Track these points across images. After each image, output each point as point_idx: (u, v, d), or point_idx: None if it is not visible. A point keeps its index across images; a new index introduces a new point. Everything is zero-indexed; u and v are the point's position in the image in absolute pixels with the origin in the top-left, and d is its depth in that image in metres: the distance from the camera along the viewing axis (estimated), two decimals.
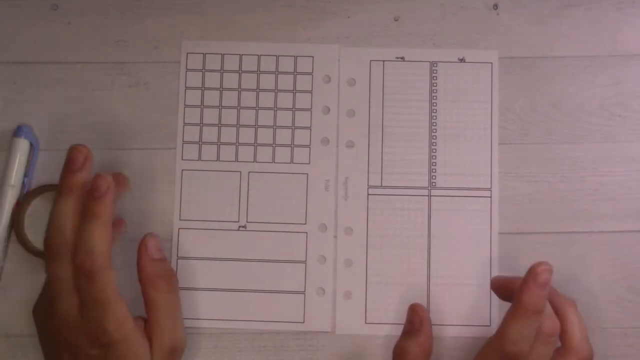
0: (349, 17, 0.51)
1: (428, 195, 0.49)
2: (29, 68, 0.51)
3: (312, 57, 0.51)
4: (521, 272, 0.43)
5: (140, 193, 0.50)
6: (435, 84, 0.50)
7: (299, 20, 0.51)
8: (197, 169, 0.50)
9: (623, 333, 0.49)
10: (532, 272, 0.42)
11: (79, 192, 0.43)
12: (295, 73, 0.51)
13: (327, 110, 0.51)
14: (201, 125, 0.50)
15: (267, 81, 0.51)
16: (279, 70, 0.51)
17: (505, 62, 0.51)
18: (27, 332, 0.49)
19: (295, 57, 0.51)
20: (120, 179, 0.48)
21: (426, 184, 0.49)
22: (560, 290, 0.50)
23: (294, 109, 0.51)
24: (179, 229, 0.50)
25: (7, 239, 0.49)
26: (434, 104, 0.50)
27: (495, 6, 0.51)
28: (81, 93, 0.51)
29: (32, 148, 0.50)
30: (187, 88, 0.51)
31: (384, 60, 0.50)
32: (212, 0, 0.51)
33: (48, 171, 0.50)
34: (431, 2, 0.51)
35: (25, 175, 0.49)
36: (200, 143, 0.50)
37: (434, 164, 0.50)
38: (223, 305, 0.49)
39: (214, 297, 0.49)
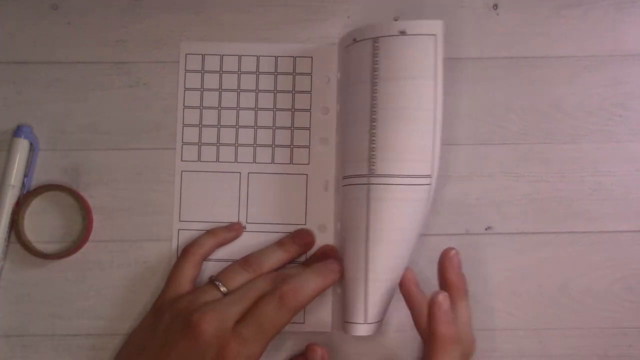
0: (349, 17, 0.51)
1: (367, 184, 0.46)
2: (29, 68, 0.51)
3: (311, 57, 0.51)
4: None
5: (140, 193, 0.50)
6: (376, 62, 0.46)
7: (298, 20, 0.51)
8: (197, 170, 0.50)
9: (623, 333, 0.49)
10: (435, 300, 0.42)
11: (291, 257, 0.49)
12: (294, 74, 0.51)
13: (326, 110, 0.51)
14: (200, 126, 0.50)
15: (266, 82, 0.51)
16: (278, 71, 0.51)
17: (505, 62, 0.51)
18: (27, 332, 0.49)
19: (294, 58, 0.51)
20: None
21: (366, 172, 0.46)
22: (560, 291, 0.50)
23: (293, 110, 0.51)
24: (178, 230, 0.50)
25: (7, 239, 0.49)
26: (375, 84, 0.46)
27: (495, 6, 0.51)
28: (81, 93, 0.51)
29: (32, 148, 0.50)
30: (186, 89, 0.51)
31: (346, 46, 0.49)
32: (212, 0, 0.51)
33: (48, 171, 0.50)
34: (431, 2, 0.51)
35: (25, 175, 0.49)
36: (200, 144, 0.50)
37: (373, 149, 0.46)
38: None
39: None
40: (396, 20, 0.51)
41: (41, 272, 0.49)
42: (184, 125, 0.50)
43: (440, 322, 0.42)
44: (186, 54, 0.51)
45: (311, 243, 0.49)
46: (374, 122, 0.46)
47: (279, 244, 0.49)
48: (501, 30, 0.51)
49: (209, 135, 0.50)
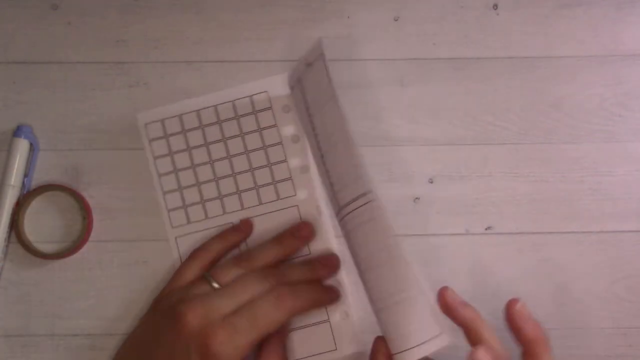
0: (349, 17, 0.51)
1: (341, 217, 0.46)
2: (29, 68, 0.51)
3: (266, 91, 0.50)
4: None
5: (140, 193, 0.50)
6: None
7: (299, 20, 0.51)
8: (189, 232, 0.50)
9: (623, 333, 0.49)
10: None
11: (287, 253, 0.48)
12: (255, 112, 0.50)
13: (296, 138, 0.50)
14: (180, 189, 0.50)
15: (230, 128, 0.50)
16: (239, 114, 0.50)
17: (505, 62, 0.51)
18: (27, 332, 0.49)
19: (251, 97, 0.50)
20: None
21: (336, 206, 0.47)
22: (560, 291, 0.50)
23: (265, 147, 0.50)
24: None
25: (7, 239, 0.49)
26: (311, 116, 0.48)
27: (495, 6, 0.51)
28: (81, 93, 0.51)
29: (32, 148, 0.50)
30: (155, 158, 0.50)
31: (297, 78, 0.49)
32: (212, 0, 0.51)
33: (48, 171, 0.50)
34: (431, 2, 0.51)
35: (25, 175, 0.49)
36: (185, 207, 0.50)
37: (331, 181, 0.47)
38: None
39: None
40: (396, 20, 0.51)
41: (41, 272, 0.49)
42: (164, 192, 0.50)
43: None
44: (145, 124, 0.50)
45: (310, 236, 0.49)
46: (322, 155, 0.47)
47: (277, 239, 0.48)
48: (501, 30, 0.51)
49: (191, 195, 0.50)
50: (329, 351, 0.48)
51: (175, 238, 0.49)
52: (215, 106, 0.50)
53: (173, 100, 0.50)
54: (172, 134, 0.50)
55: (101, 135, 0.50)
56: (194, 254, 0.48)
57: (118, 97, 0.51)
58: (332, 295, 0.48)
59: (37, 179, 0.50)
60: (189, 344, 0.42)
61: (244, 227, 0.49)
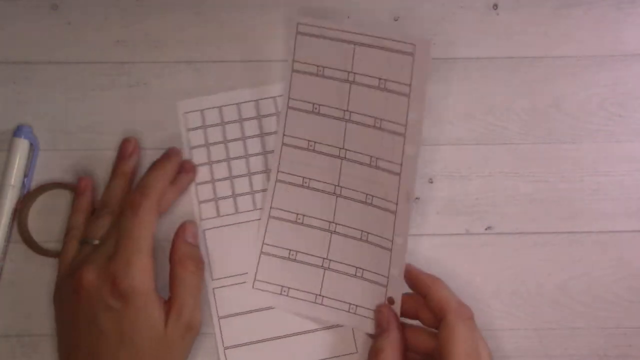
0: (348, 17, 0.51)
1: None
2: (29, 68, 0.51)
3: None
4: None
5: None
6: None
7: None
8: (218, 226, 0.50)
9: (623, 333, 0.49)
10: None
11: (127, 177, 0.49)
12: None
13: None
14: (213, 181, 0.50)
15: (269, 124, 0.50)
16: (279, 110, 0.50)
17: (505, 62, 0.51)
18: (27, 332, 0.49)
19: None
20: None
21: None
22: (560, 291, 0.50)
23: None
24: (213, 288, 0.49)
25: (7, 239, 0.49)
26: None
27: (495, 6, 0.51)
28: (81, 93, 0.51)
29: (32, 148, 0.50)
30: (191, 148, 0.50)
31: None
32: (212, 0, 0.51)
33: (48, 171, 0.50)
34: (431, 2, 0.51)
35: (25, 175, 0.49)
36: (216, 199, 0.50)
37: None
38: None
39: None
40: (396, 20, 0.51)
41: (41, 272, 0.49)
42: (197, 184, 0.50)
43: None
44: (184, 113, 0.50)
45: (133, 151, 0.49)
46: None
47: (115, 174, 0.49)
48: (501, 30, 0.51)
49: (224, 188, 0.50)
50: (350, 354, 0.48)
51: (204, 231, 0.49)
52: (256, 101, 0.50)
53: (173, 100, 0.51)
54: (210, 125, 0.50)
55: (101, 135, 0.50)
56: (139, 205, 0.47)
57: (118, 97, 0.51)
58: (186, 167, 0.49)
59: (37, 179, 0.50)
60: (96, 301, 0.43)
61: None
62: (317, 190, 0.49)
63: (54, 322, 0.47)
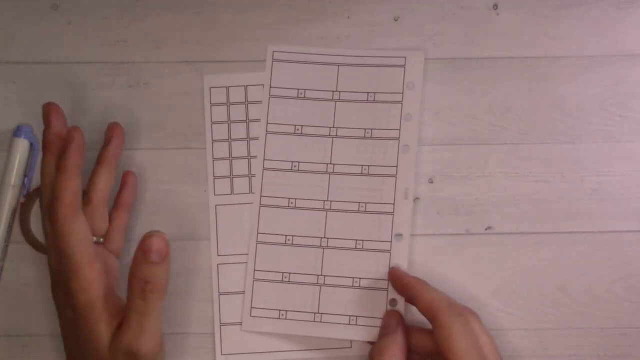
0: (348, 17, 0.51)
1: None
2: (29, 68, 0.51)
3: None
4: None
5: (140, 193, 0.50)
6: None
7: (299, 20, 0.51)
8: (231, 203, 0.50)
9: (623, 333, 0.49)
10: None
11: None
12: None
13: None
14: (230, 159, 0.50)
15: None
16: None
17: (505, 62, 0.51)
18: (27, 332, 0.49)
19: None
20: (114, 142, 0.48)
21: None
22: (560, 291, 0.50)
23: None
24: (217, 264, 0.49)
25: (7, 239, 0.49)
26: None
27: (495, 6, 0.51)
28: (81, 93, 0.51)
29: (32, 148, 0.50)
30: (212, 123, 0.50)
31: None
32: (212, 0, 0.51)
33: None
34: (431, 2, 0.51)
35: (25, 175, 0.49)
36: (232, 177, 0.50)
37: None
38: None
39: None
40: (396, 20, 0.51)
41: (41, 271, 0.49)
42: (214, 159, 0.50)
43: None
44: (210, 87, 0.51)
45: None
46: None
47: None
48: (501, 30, 0.51)
49: (240, 167, 0.50)
50: (344, 347, 0.49)
51: (215, 206, 0.50)
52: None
53: (174, 100, 0.51)
54: (233, 103, 0.50)
55: (101, 135, 0.50)
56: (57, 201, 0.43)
57: (118, 97, 0.51)
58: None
59: (37, 179, 0.50)
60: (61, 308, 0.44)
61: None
62: (305, 208, 0.49)
63: (53, 322, 0.47)
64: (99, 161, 0.48)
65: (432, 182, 0.50)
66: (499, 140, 0.51)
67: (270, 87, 0.50)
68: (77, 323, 0.42)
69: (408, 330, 0.46)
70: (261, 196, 0.49)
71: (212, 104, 0.51)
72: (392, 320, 0.46)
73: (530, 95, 0.51)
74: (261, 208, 0.49)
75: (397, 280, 0.47)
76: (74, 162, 0.43)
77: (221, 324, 0.49)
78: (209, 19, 0.51)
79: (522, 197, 0.50)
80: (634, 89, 0.51)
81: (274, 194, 0.49)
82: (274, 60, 0.50)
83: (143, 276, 0.40)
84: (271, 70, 0.50)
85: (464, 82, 0.51)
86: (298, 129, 0.50)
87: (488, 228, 0.50)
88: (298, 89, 0.50)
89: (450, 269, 0.50)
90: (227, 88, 0.51)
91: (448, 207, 0.50)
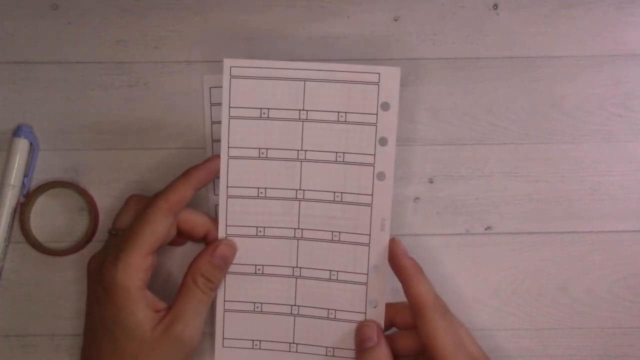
0: (349, 17, 0.51)
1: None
2: (29, 68, 0.51)
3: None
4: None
5: (140, 193, 0.50)
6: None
7: (299, 20, 0.51)
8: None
9: (623, 333, 0.49)
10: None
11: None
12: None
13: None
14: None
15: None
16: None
17: (505, 62, 0.51)
18: (28, 332, 0.49)
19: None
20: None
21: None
22: (560, 291, 0.50)
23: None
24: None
25: (7, 239, 0.49)
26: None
27: (495, 6, 0.51)
28: (81, 93, 0.51)
29: (32, 148, 0.50)
30: (213, 123, 0.50)
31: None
32: (212, 0, 0.51)
33: (48, 171, 0.50)
34: (431, 2, 0.51)
35: (25, 175, 0.49)
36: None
37: None
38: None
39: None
40: (396, 20, 0.51)
41: (41, 272, 0.49)
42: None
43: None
44: (210, 88, 0.50)
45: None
46: None
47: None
48: (501, 30, 0.51)
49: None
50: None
51: (215, 206, 0.49)
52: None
53: (174, 100, 0.51)
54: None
55: (101, 135, 0.50)
56: (156, 203, 0.45)
57: (118, 97, 0.51)
58: (209, 158, 0.46)
59: (37, 179, 0.50)
60: (92, 289, 0.44)
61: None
62: (274, 237, 0.46)
63: (54, 322, 0.47)
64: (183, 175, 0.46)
65: (432, 182, 0.50)
66: (499, 140, 0.51)
67: (230, 107, 0.46)
68: (109, 305, 0.43)
69: (389, 338, 0.45)
70: (227, 225, 0.47)
71: (212, 104, 0.51)
72: (371, 332, 0.45)
73: (530, 95, 0.51)
74: (227, 237, 0.47)
75: (394, 259, 0.45)
76: (199, 176, 0.45)
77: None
78: (209, 19, 0.51)
79: (522, 197, 0.50)
80: (634, 89, 0.51)
81: (241, 223, 0.47)
82: (231, 77, 0.46)
83: (206, 273, 0.45)
84: (230, 88, 0.46)
85: (464, 82, 0.51)
86: (263, 153, 0.46)
87: (488, 228, 0.50)
88: (261, 109, 0.46)
89: (450, 269, 0.50)
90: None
91: (448, 207, 0.50)
